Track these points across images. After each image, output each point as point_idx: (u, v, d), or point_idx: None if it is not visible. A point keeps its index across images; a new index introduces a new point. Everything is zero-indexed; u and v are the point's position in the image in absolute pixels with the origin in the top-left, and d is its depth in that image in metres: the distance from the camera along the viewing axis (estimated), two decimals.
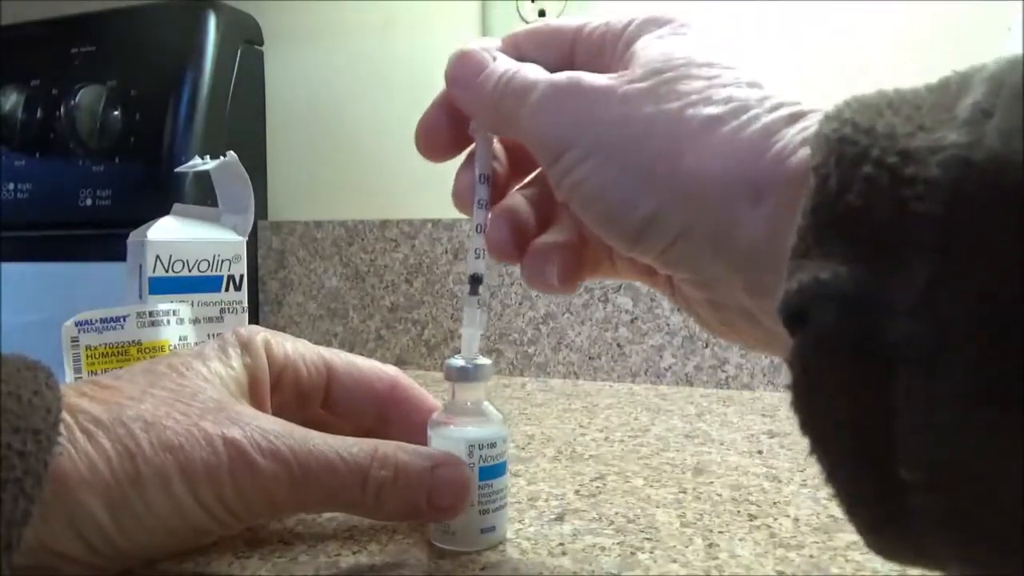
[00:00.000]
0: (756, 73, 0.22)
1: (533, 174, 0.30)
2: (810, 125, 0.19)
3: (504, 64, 0.26)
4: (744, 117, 0.21)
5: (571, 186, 0.23)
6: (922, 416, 0.15)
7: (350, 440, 0.27)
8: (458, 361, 0.28)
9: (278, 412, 0.29)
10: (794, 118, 0.20)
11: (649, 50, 0.24)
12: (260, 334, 0.30)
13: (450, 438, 0.28)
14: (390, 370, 0.33)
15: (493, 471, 0.28)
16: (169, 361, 0.28)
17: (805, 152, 0.19)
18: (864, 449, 0.16)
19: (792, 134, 0.20)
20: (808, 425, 0.17)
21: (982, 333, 0.14)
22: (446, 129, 0.28)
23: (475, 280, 0.29)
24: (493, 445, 0.28)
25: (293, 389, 0.31)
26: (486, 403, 0.29)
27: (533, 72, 0.25)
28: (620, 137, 0.22)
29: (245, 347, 0.30)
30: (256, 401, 0.29)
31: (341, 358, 0.32)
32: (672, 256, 0.22)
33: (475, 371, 0.28)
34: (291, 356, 0.31)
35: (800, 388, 0.17)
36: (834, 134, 0.17)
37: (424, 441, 0.29)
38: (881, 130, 0.16)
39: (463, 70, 0.27)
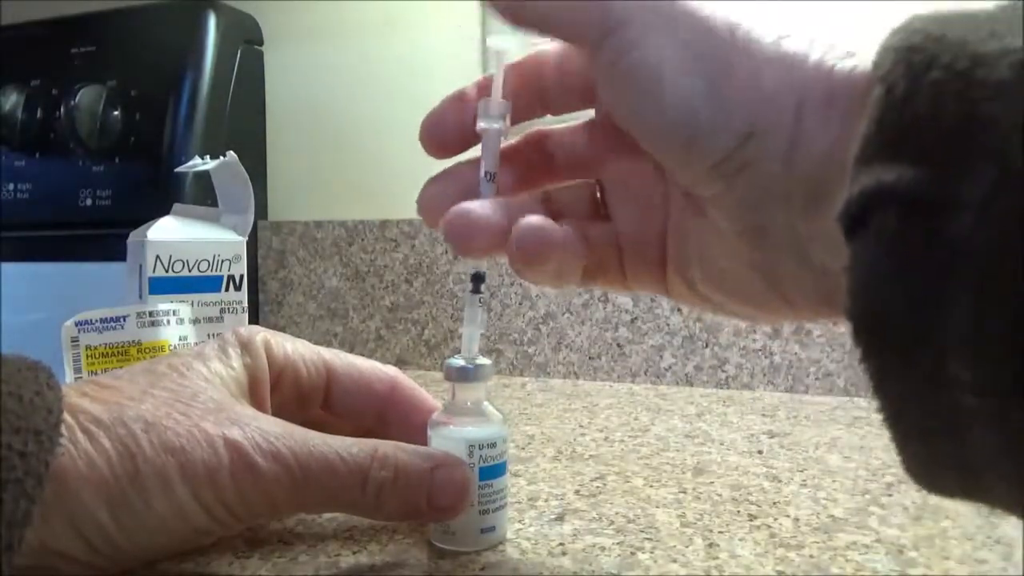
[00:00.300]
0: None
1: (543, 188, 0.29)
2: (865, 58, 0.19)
3: None
4: (809, 42, 0.21)
5: (626, 72, 0.21)
6: (977, 315, 0.15)
7: (350, 440, 0.27)
8: (458, 361, 0.28)
9: (278, 412, 0.29)
10: (849, 54, 0.20)
11: None
12: (260, 334, 0.30)
13: (450, 438, 0.28)
14: (390, 371, 0.33)
15: (493, 471, 0.28)
16: (169, 361, 0.28)
17: (869, 70, 0.18)
18: (918, 349, 0.16)
19: (854, 61, 0.20)
20: (862, 330, 0.17)
21: None
22: (453, 124, 0.28)
23: (477, 279, 0.29)
24: (493, 445, 0.28)
25: (293, 389, 0.31)
26: (486, 403, 0.29)
27: None
28: (689, 17, 0.21)
29: (245, 347, 0.30)
30: (256, 401, 0.29)
31: (341, 359, 0.32)
32: (735, 162, 0.21)
33: (475, 371, 0.28)
34: (291, 356, 0.31)
35: (857, 292, 0.16)
36: (902, 43, 0.17)
37: (424, 441, 0.29)
38: (951, 37, 0.16)
39: None
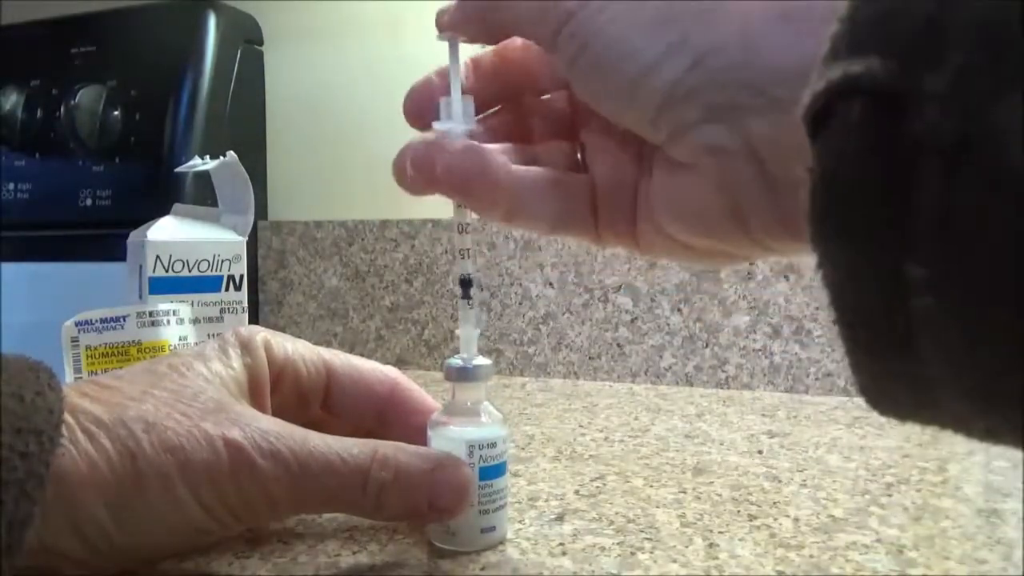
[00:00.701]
0: None
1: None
2: None
3: None
4: None
5: (582, 67, 0.23)
6: (939, 210, 0.14)
7: (350, 441, 0.27)
8: (457, 361, 0.28)
9: (277, 412, 0.29)
10: None
11: None
12: (260, 334, 0.30)
13: (450, 438, 0.28)
14: (390, 371, 0.33)
15: (493, 471, 0.28)
16: (170, 361, 0.28)
17: None
18: (878, 246, 0.15)
19: None
20: (819, 235, 0.16)
21: (1009, 128, 0.13)
22: (438, 94, 0.28)
23: (465, 284, 0.28)
24: (493, 445, 0.28)
25: (293, 389, 0.31)
26: (486, 403, 0.29)
27: None
28: None
29: (245, 347, 0.30)
30: (256, 401, 0.29)
31: (341, 359, 0.32)
32: (691, 80, 0.21)
33: (474, 371, 0.28)
34: (291, 356, 0.31)
35: (818, 189, 0.16)
36: None
37: (424, 442, 0.29)
38: None
39: None
